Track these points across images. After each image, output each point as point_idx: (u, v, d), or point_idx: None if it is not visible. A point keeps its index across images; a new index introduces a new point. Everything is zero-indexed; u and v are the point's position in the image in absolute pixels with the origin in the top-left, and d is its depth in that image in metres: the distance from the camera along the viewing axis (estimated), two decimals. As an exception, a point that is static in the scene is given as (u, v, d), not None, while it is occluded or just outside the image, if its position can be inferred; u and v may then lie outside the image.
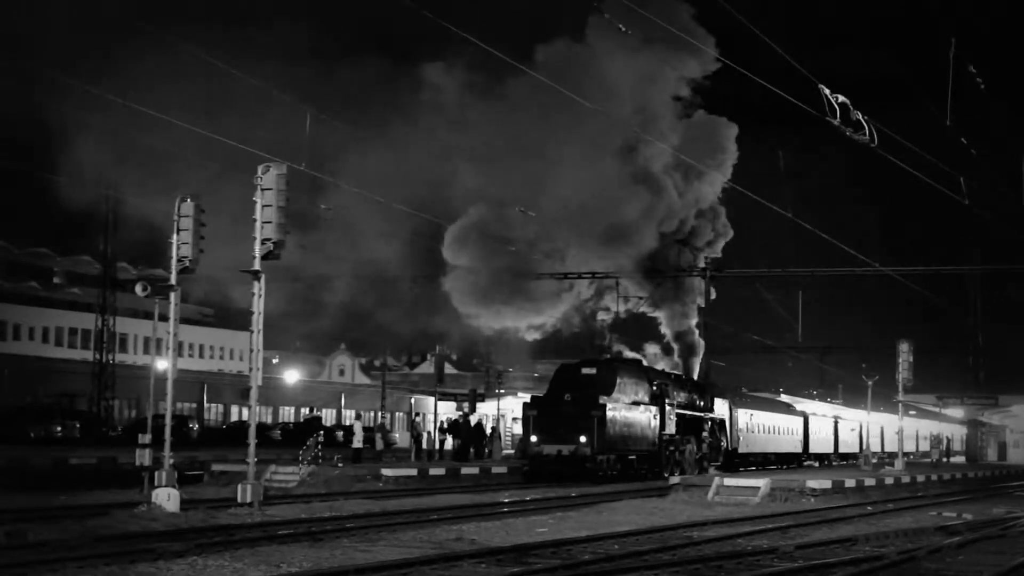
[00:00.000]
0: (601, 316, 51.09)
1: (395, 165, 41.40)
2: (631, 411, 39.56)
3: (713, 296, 50.90)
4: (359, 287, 47.01)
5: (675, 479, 34.86)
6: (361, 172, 39.30)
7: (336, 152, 39.52)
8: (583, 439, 37.28)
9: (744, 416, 52.29)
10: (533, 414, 38.85)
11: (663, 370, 47.04)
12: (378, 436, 55.50)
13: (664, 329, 51.72)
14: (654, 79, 46.27)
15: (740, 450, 51.00)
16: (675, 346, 51.48)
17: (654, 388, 41.69)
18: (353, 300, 47.28)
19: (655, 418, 40.94)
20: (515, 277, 45.82)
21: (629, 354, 47.82)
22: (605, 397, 38.47)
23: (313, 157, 34.42)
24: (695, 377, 50.36)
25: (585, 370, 40.54)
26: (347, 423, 75.86)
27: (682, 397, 44.77)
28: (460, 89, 43.03)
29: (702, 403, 47.04)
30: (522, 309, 46.43)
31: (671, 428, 42.06)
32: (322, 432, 43.48)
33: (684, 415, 43.75)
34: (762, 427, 54.94)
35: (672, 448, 42.47)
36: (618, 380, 39.98)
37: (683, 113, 48.91)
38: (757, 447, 53.72)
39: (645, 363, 46.43)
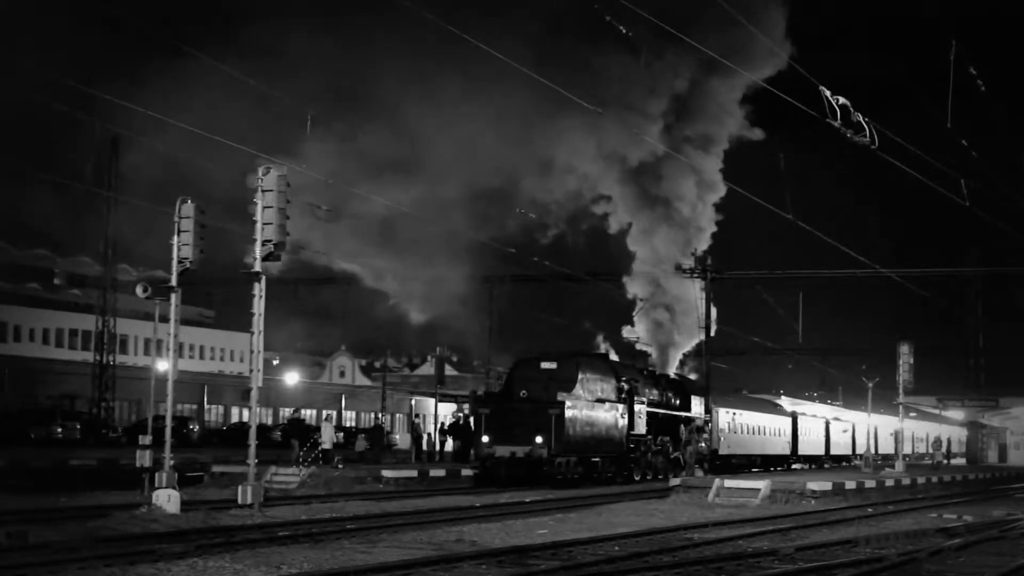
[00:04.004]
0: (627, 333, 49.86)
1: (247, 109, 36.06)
2: (595, 409, 37.22)
3: (701, 294, 48.64)
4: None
5: (675, 480, 34.55)
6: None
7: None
8: (539, 440, 34.59)
9: (725, 416, 49.84)
10: (485, 412, 35.97)
11: (633, 365, 44.65)
12: (360, 438, 54.84)
13: (640, 322, 49.92)
14: None
15: (721, 451, 48.46)
16: (652, 341, 49.74)
17: (622, 385, 39.25)
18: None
19: (623, 417, 38.63)
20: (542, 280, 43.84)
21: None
22: (564, 394, 35.97)
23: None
24: (671, 374, 48.09)
25: (544, 364, 37.65)
26: (347, 424, 76.03)
27: (655, 395, 42.48)
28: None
29: (678, 401, 44.73)
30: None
31: (641, 428, 39.84)
32: (320, 434, 43.38)
33: (656, 414, 41.44)
34: (746, 427, 52.53)
35: (642, 449, 40.42)
36: (580, 376, 37.42)
37: None
38: (740, 448, 51.24)
39: (613, 357, 44.19)
